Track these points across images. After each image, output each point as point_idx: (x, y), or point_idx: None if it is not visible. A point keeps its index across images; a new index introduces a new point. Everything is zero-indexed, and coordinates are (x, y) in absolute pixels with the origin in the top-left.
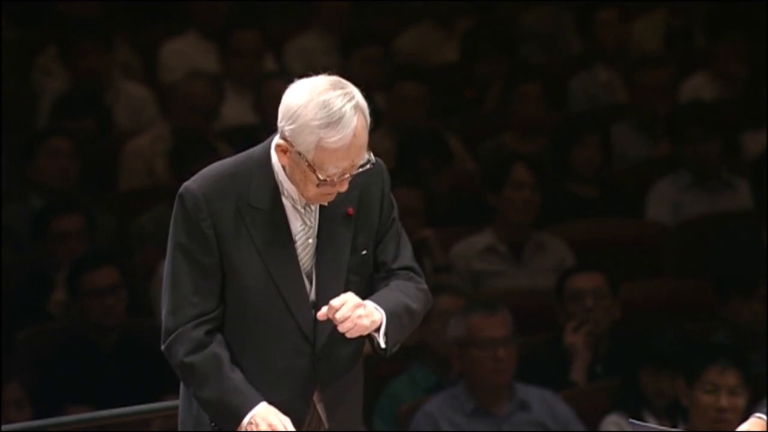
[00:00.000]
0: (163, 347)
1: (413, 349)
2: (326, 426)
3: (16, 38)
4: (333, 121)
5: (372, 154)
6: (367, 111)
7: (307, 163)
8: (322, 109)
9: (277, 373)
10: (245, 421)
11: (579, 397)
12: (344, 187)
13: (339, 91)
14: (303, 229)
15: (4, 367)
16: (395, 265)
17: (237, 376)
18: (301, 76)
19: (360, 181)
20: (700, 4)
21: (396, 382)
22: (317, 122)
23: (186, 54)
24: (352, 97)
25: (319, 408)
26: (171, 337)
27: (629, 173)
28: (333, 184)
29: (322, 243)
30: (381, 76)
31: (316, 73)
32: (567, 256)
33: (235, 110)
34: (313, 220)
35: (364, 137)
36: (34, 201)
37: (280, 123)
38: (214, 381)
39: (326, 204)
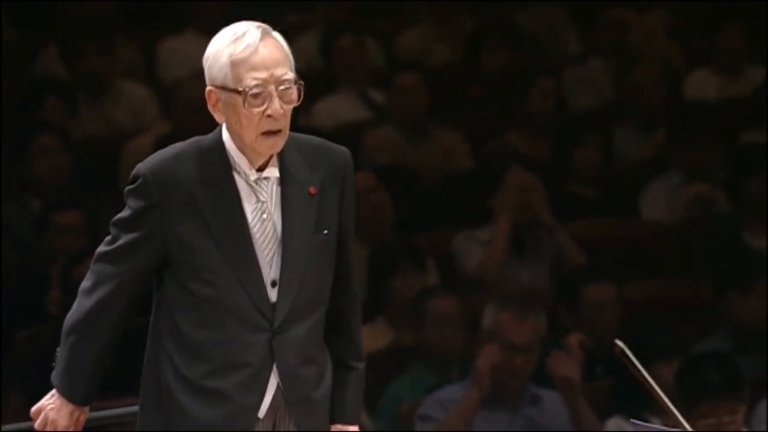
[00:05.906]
0: (97, 251)
1: (413, 349)
2: (289, 417)
3: (16, 38)
4: (237, 37)
5: (298, 78)
6: (280, 38)
7: (229, 91)
8: (227, 32)
9: (235, 349)
10: (51, 393)
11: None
12: (276, 106)
13: (246, 22)
14: (257, 205)
15: (4, 366)
16: (341, 284)
17: (88, 355)
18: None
19: (322, 162)
20: (700, 3)
21: (396, 382)
22: (225, 43)
23: (186, 53)
24: (259, 25)
25: (278, 384)
26: (95, 267)
27: (629, 173)
28: (260, 101)
29: (286, 222)
30: (381, 73)
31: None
32: (569, 251)
33: None
34: (266, 195)
35: (278, 52)
36: (33, 200)
37: (205, 76)
38: (76, 344)
39: (282, 175)
